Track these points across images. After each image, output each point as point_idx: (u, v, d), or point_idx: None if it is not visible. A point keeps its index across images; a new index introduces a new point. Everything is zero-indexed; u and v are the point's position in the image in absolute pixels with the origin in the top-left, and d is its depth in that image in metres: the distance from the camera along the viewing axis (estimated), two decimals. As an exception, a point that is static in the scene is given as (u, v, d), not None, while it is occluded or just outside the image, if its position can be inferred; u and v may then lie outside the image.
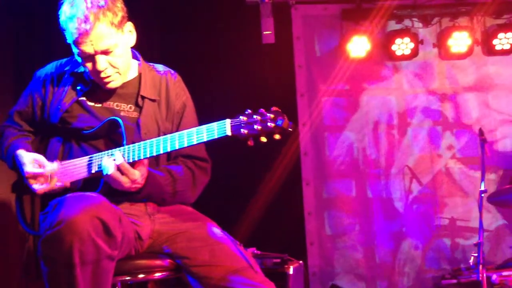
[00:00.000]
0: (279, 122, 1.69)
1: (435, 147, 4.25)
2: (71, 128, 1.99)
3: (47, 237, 1.64)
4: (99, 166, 1.87)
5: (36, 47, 3.27)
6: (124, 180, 1.82)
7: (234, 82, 4.06)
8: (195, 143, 1.78)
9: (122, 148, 1.87)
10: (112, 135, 1.95)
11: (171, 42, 4.13)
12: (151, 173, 1.92)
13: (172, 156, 2.09)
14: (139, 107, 2.03)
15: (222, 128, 1.73)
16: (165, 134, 1.97)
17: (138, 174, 1.84)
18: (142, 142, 1.85)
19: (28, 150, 2.00)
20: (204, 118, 1.83)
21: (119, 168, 1.82)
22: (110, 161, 1.82)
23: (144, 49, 2.20)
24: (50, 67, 2.12)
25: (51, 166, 1.92)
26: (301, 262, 3.36)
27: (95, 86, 2.03)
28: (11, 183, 2.09)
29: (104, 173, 1.84)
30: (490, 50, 4.13)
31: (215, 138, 1.75)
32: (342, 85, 4.27)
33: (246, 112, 1.73)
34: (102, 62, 1.92)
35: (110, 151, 1.88)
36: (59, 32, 1.96)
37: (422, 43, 4.12)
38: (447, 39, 4.07)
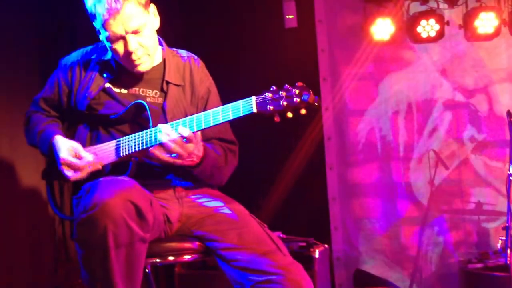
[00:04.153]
0: (305, 97, 1.68)
1: (460, 131, 4.18)
2: (98, 114, 2.01)
3: (82, 220, 1.67)
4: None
5: (61, 34, 3.30)
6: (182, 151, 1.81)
7: (257, 67, 4.04)
8: (221, 121, 1.77)
9: (149, 130, 1.88)
10: (138, 119, 1.96)
11: (194, 27, 4.13)
12: (205, 145, 1.92)
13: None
14: (164, 93, 2.05)
15: (248, 105, 1.72)
16: None
17: (192, 147, 1.82)
18: (168, 123, 1.86)
19: (65, 137, 2.02)
20: (227, 102, 1.82)
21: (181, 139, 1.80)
22: (172, 133, 1.81)
23: (167, 36, 2.21)
24: (75, 55, 2.14)
25: (87, 159, 1.93)
26: (326, 246, 3.37)
27: (121, 73, 2.05)
28: (41, 170, 2.12)
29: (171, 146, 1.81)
30: (518, 31, 4.02)
31: (241, 116, 1.74)
32: (365, 68, 4.21)
33: (271, 89, 1.71)
34: (133, 43, 1.93)
35: (136, 134, 1.90)
36: (85, 17, 1.98)
37: (448, 25, 4.02)
38: (474, 20, 3.97)
